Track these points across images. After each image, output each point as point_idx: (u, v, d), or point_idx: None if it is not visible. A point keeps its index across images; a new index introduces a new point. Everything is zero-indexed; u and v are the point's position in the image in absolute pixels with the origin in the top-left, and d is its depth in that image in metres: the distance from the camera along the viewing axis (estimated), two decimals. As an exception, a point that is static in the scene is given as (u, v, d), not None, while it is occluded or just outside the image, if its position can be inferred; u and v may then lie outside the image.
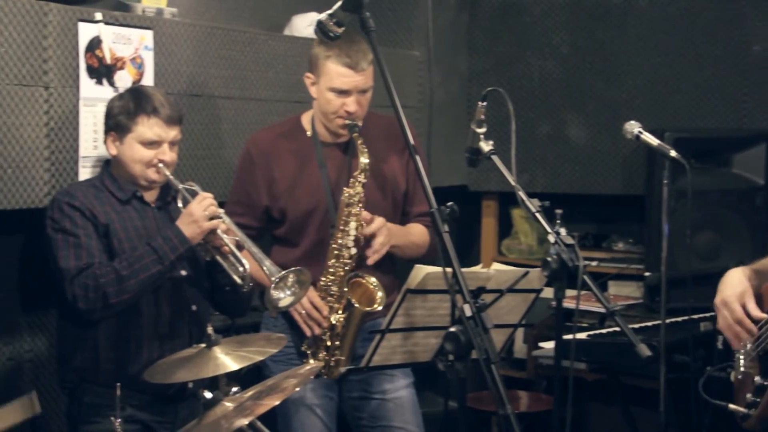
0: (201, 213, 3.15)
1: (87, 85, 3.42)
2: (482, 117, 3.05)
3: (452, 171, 5.35)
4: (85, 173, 3.44)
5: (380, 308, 3.44)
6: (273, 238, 3.69)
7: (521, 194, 2.91)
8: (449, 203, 2.47)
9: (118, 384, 2.89)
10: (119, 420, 2.86)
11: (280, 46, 4.27)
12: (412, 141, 2.57)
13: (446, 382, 2.58)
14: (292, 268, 3.18)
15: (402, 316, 3.04)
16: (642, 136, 3.69)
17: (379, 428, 3.61)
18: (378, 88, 3.46)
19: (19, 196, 3.25)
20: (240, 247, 3.20)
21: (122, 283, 3.06)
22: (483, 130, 3.07)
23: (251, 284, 3.21)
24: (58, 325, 3.39)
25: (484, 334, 2.29)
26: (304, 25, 4.45)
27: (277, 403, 2.72)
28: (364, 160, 3.44)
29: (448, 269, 2.38)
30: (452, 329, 2.33)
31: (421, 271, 2.96)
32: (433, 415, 4.08)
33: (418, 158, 2.55)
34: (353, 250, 3.46)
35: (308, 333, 3.51)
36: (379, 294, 3.46)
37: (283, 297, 3.19)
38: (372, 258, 3.44)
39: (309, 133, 3.63)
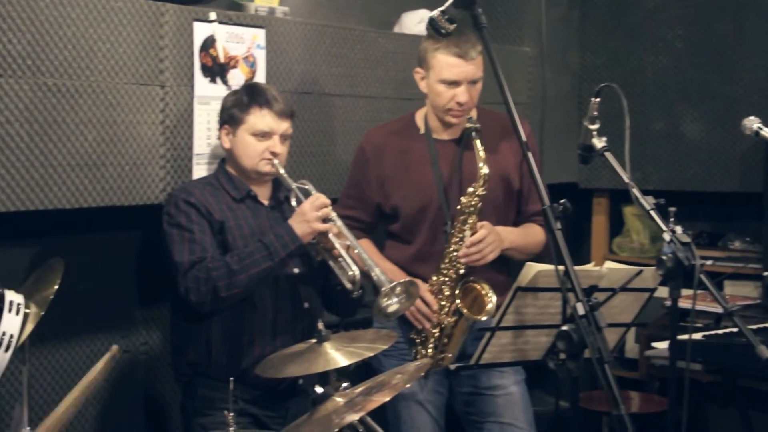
0: (313, 214, 3.17)
1: (201, 84, 3.48)
2: (595, 113, 3.00)
3: (562, 168, 5.29)
4: (199, 170, 3.50)
5: (488, 318, 3.40)
6: (387, 233, 3.70)
7: (635, 191, 2.85)
8: (562, 200, 2.44)
9: (231, 378, 2.94)
10: (232, 414, 2.90)
11: (389, 43, 4.28)
12: (524, 138, 2.54)
13: (556, 381, 2.55)
14: (402, 280, 3.19)
15: (512, 314, 3.01)
16: (762, 131, 3.57)
17: (488, 424, 3.58)
18: (489, 84, 3.44)
19: (136, 192, 3.32)
20: (350, 251, 3.21)
21: (232, 278, 3.10)
22: (596, 126, 3.02)
23: (361, 290, 3.22)
24: (171, 319, 3.46)
25: (598, 333, 2.25)
26: (413, 22, 4.45)
27: (387, 399, 2.72)
28: (484, 170, 3.39)
29: (560, 267, 2.34)
30: (564, 328, 2.30)
31: (533, 269, 2.93)
32: (543, 414, 4.03)
33: (530, 155, 2.53)
34: (464, 260, 3.44)
35: (418, 326, 3.51)
36: (490, 305, 3.41)
37: (391, 304, 3.18)
38: (465, 259, 3.42)
39: (422, 130, 3.62)
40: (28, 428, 2.95)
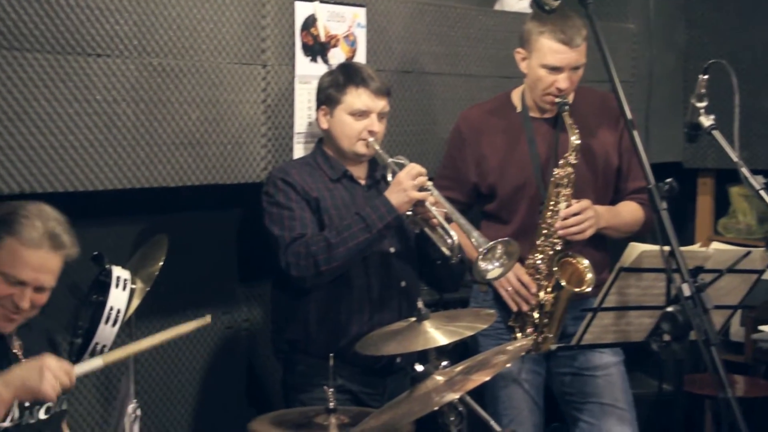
0: (410, 183, 3.17)
1: (302, 63, 3.50)
2: (703, 91, 2.93)
3: (666, 147, 5.19)
4: (299, 149, 3.53)
5: (589, 290, 3.37)
6: (482, 213, 3.68)
7: (744, 171, 2.78)
8: (668, 180, 2.39)
9: (332, 355, 2.96)
10: (332, 390, 2.92)
11: (490, 21, 4.24)
12: (629, 115, 2.49)
13: (659, 364, 2.50)
14: (500, 239, 3.16)
15: (615, 294, 2.97)
16: None
17: (588, 404, 3.55)
18: (591, 61, 3.39)
19: (238, 171, 3.37)
20: (448, 219, 3.21)
21: (331, 251, 3.12)
22: (704, 104, 2.94)
23: (459, 255, 3.21)
24: (272, 296, 3.50)
25: (704, 315, 2.21)
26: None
27: (486, 378, 2.70)
28: (575, 140, 3.39)
29: (665, 247, 2.30)
30: (669, 309, 2.26)
31: (636, 249, 2.88)
32: (645, 397, 3.98)
33: (635, 133, 2.48)
34: (561, 232, 3.40)
35: (514, 308, 3.49)
36: (589, 275, 3.39)
37: (492, 268, 3.17)
38: (562, 231, 3.38)
39: (519, 109, 3.59)
40: (135, 401, 3.03)
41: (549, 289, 3.44)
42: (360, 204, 3.30)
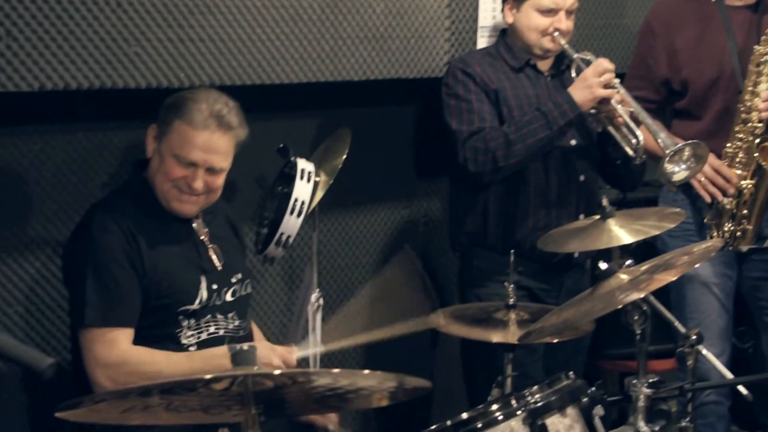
0: (596, 79, 3.09)
1: (487, -46, 3.43)
2: None
3: None
4: (482, 42, 3.49)
5: None
6: (673, 112, 3.56)
7: None
8: None
9: (512, 251, 2.95)
10: (512, 285, 2.92)
11: None
12: None
13: None
14: (689, 141, 3.06)
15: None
16: None
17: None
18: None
19: (420, 65, 3.36)
20: (634, 118, 3.11)
21: (510, 147, 3.09)
22: None
23: (644, 156, 3.12)
24: (450, 189, 3.51)
25: None
26: None
27: (672, 279, 2.65)
28: None
29: None
30: None
31: None
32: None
33: None
34: (764, 114, 3.24)
35: (708, 200, 3.36)
36: None
37: (678, 171, 3.07)
38: (766, 113, 3.22)
39: None
40: (318, 290, 3.11)
41: (748, 177, 3.31)
42: (542, 95, 3.24)
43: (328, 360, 3.32)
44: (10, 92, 2.49)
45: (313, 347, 2.79)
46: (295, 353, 2.64)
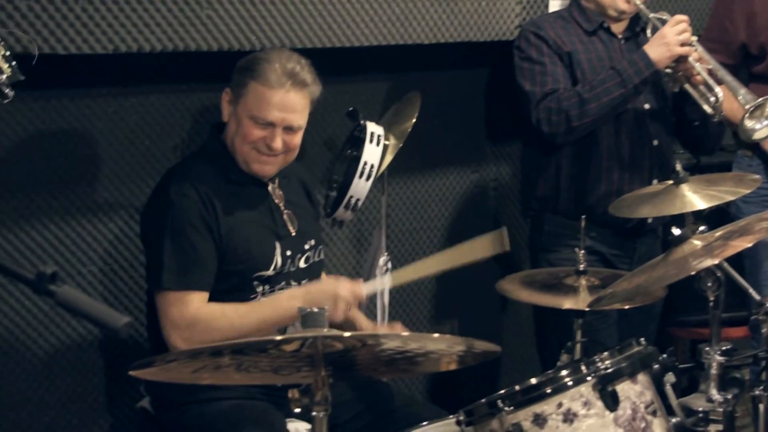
0: (673, 37, 3.03)
1: None
2: None
3: None
4: (553, 6, 3.47)
5: None
6: (750, 75, 3.50)
7: None
8: None
9: (583, 216, 2.92)
10: (583, 251, 2.90)
11: None
12: None
13: None
14: None
15: None
16: None
17: None
18: None
19: (491, 28, 3.33)
20: (712, 76, 3.05)
21: (584, 106, 3.06)
22: None
23: (722, 114, 3.06)
24: (523, 153, 3.48)
25: None
26: None
27: (747, 245, 2.60)
28: None
29: None
30: None
31: None
32: None
33: None
34: None
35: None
36: None
37: (759, 128, 3.01)
38: None
39: None
40: (386, 254, 3.11)
41: None
42: (616, 58, 3.19)
43: (397, 318, 3.33)
44: (86, 55, 2.53)
45: (381, 282, 2.79)
46: (363, 286, 2.63)
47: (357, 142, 2.91)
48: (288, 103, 2.57)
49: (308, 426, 2.51)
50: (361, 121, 2.94)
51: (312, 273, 2.76)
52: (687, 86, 3.11)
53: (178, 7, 2.64)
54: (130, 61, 2.68)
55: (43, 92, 2.64)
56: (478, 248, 2.77)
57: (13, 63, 1.96)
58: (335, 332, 1.92)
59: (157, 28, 2.61)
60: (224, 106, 2.65)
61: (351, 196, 2.87)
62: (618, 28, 3.26)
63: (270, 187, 2.72)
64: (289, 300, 2.53)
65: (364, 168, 2.86)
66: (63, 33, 2.47)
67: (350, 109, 2.97)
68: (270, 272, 2.63)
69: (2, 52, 1.94)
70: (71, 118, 2.74)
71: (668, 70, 3.09)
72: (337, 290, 2.55)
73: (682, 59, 3.05)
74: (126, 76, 2.80)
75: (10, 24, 2.36)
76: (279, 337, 1.89)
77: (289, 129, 2.60)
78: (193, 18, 2.68)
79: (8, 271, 1.60)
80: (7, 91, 1.97)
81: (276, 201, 2.72)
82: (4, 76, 1.95)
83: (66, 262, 2.76)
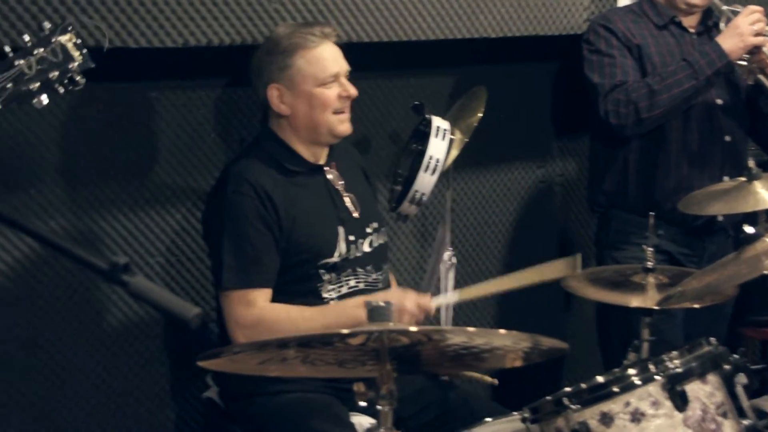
0: (747, 27, 2.99)
1: None
2: None
3: None
4: (623, 1, 3.41)
5: None
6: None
7: None
8: None
9: (652, 213, 2.87)
10: (651, 249, 2.85)
11: None
12: None
13: None
14: None
15: None
16: None
17: None
18: None
19: (559, 22, 3.30)
20: None
21: (654, 98, 3.01)
22: None
23: None
24: (590, 147, 3.45)
25: None
26: None
27: (822, 245, 2.54)
28: None
29: None
30: None
31: None
32: None
33: None
34: None
35: None
36: None
37: None
38: None
39: None
40: (451, 249, 3.10)
41: None
42: (688, 52, 3.14)
43: (462, 319, 3.32)
44: (156, 48, 2.55)
45: (448, 297, 2.79)
46: (430, 300, 2.63)
47: (422, 136, 2.90)
48: (334, 51, 2.63)
49: (371, 420, 2.51)
50: (427, 115, 2.93)
51: (376, 257, 2.74)
52: (761, 77, 3.06)
53: (246, 0, 2.66)
54: (199, 54, 2.70)
55: (113, 84, 2.67)
56: (549, 271, 2.74)
57: (84, 51, 1.98)
58: (401, 326, 1.91)
59: (225, 21, 2.63)
60: (275, 103, 2.64)
61: (416, 191, 2.86)
62: (690, 22, 3.21)
63: (329, 174, 2.72)
64: (354, 308, 2.53)
65: (429, 162, 2.84)
66: (134, 27, 2.50)
67: (416, 103, 2.95)
68: (335, 258, 2.63)
69: (73, 40, 1.96)
70: (140, 110, 2.77)
71: (742, 62, 3.04)
72: (403, 302, 2.56)
73: (756, 50, 3.00)
74: (194, 69, 2.82)
75: (83, 18, 2.39)
76: (345, 331, 1.89)
77: (346, 75, 2.65)
78: (261, 12, 2.70)
79: (82, 261, 1.61)
80: (78, 78, 1.99)
81: (336, 186, 2.73)
82: (76, 64, 1.98)
83: (134, 252, 2.79)
